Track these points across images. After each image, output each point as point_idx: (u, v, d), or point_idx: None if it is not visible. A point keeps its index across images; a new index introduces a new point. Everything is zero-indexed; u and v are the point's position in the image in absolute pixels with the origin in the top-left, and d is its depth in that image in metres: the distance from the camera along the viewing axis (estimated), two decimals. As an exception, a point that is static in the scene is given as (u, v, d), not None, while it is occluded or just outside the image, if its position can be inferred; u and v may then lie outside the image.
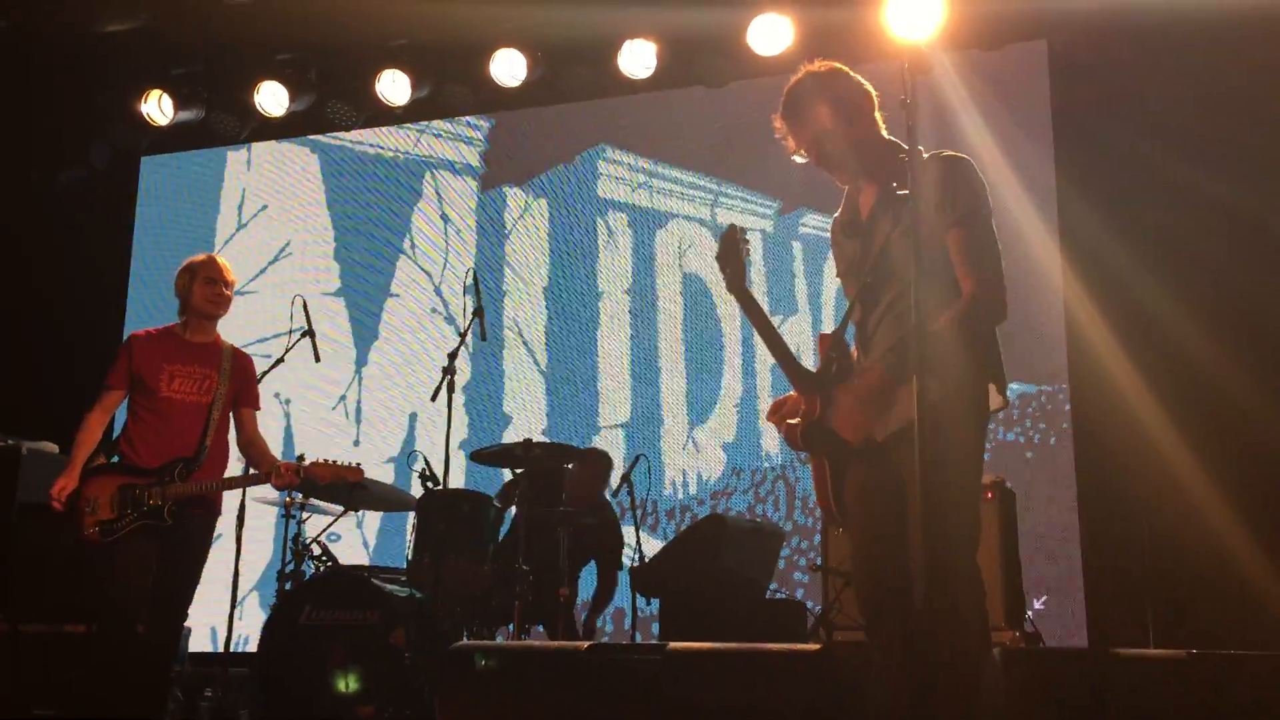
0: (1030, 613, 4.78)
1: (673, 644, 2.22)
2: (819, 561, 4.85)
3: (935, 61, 5.04)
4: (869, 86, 3.19)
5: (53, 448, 6.08)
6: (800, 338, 6.64)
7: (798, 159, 3.26)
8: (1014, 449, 6.07)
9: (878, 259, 3.03)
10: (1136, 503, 5.44)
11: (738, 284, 3.13)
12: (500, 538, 5.37)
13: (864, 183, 3.17)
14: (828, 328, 6.63)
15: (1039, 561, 5.57)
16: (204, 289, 4.66)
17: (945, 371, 2.78)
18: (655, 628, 5.81)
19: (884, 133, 3.15)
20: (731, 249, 3.16)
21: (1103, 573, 5.64)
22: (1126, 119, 5.93)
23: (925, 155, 3.00)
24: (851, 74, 3.21)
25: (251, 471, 4.65)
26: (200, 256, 4.79)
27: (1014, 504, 4.50)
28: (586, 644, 2.29)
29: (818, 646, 2.06)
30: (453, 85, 7.16)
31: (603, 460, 6.07)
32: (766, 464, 6.54)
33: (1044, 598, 5.66)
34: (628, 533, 5.85)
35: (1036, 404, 6.07)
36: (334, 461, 4.61)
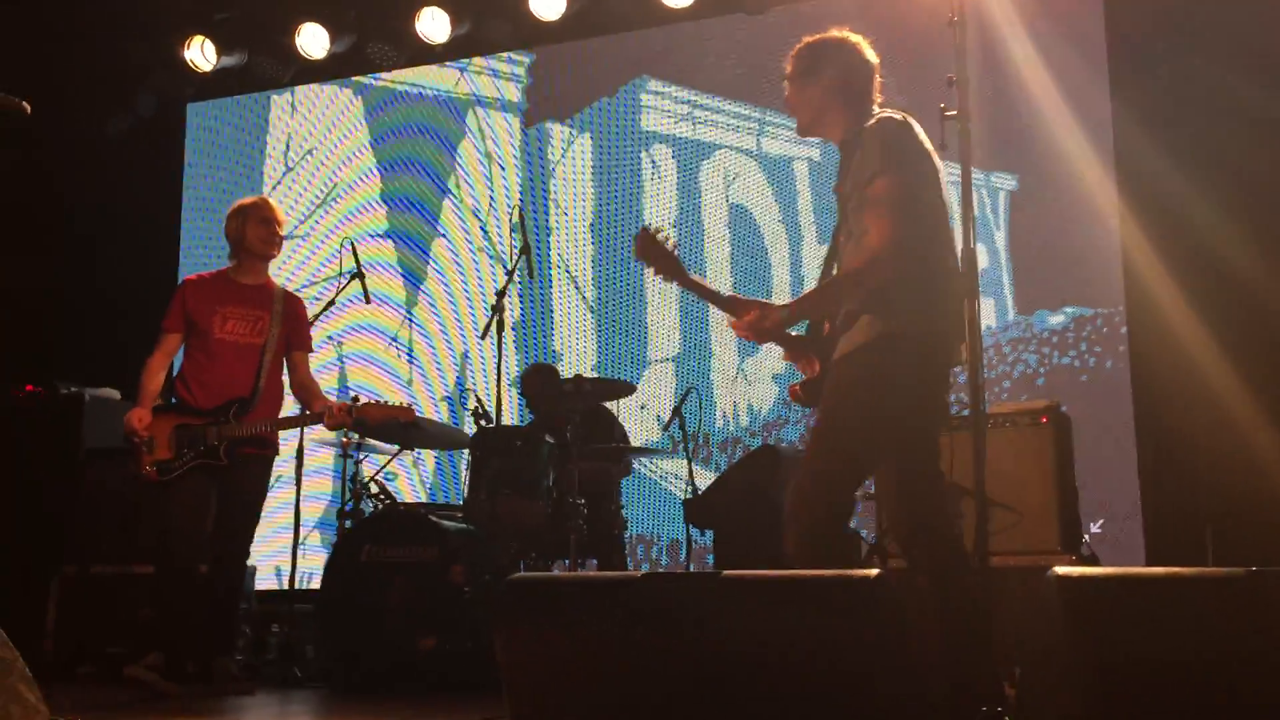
0: (1087, 537, 4.76)
1: (727, 571, 2.24)
2: (872, 489, 4.85)
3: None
4: (869, 59, 3.27)
5: (114, 394, 6.20)
6: (849, 266, 6.57)
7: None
8: (1069, 372, 6.00)
9: (840, 221, 3.13)
10: (1194, 425, 5.37)
11: (672, 276, 3.23)
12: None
13: (841, 146, 3.24)
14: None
15: (1095, 486, 5.51)
16: (257, 229, 4.70)
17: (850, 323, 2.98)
18: (710, 559, 5.86)
19: (875, 107, 3.19)
20: (649, 247, 3.24)
21: (1160, 495, 5.59)
22: (1184, 31, 5.75)
23: (878, 118, 3.10)
24: (855, 48, 3.29)
25: (305, 412, 4.72)
26: (251, 198, 4.83)
27: (1069, 428, 4.45)
28: (640, 574, 2.30)
29: (875, 572, 2.06)
30: (492, 21, 7.10)
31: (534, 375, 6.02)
32: (817, 394, 6.52)
33: (1100, 522, 5.62)
34: (680, 465, 5.88)
35: (1092, 327, 5.98)
36: (385, 402, 4.67)
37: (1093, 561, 4.42)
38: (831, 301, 3.10)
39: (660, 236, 3.25)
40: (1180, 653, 2.04)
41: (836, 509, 2.96)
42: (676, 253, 3.26)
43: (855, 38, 3.30)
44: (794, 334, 3.20)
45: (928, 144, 3.08)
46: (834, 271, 3.20)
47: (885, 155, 2.98)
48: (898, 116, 3.08)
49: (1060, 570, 2.09)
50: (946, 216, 3.07)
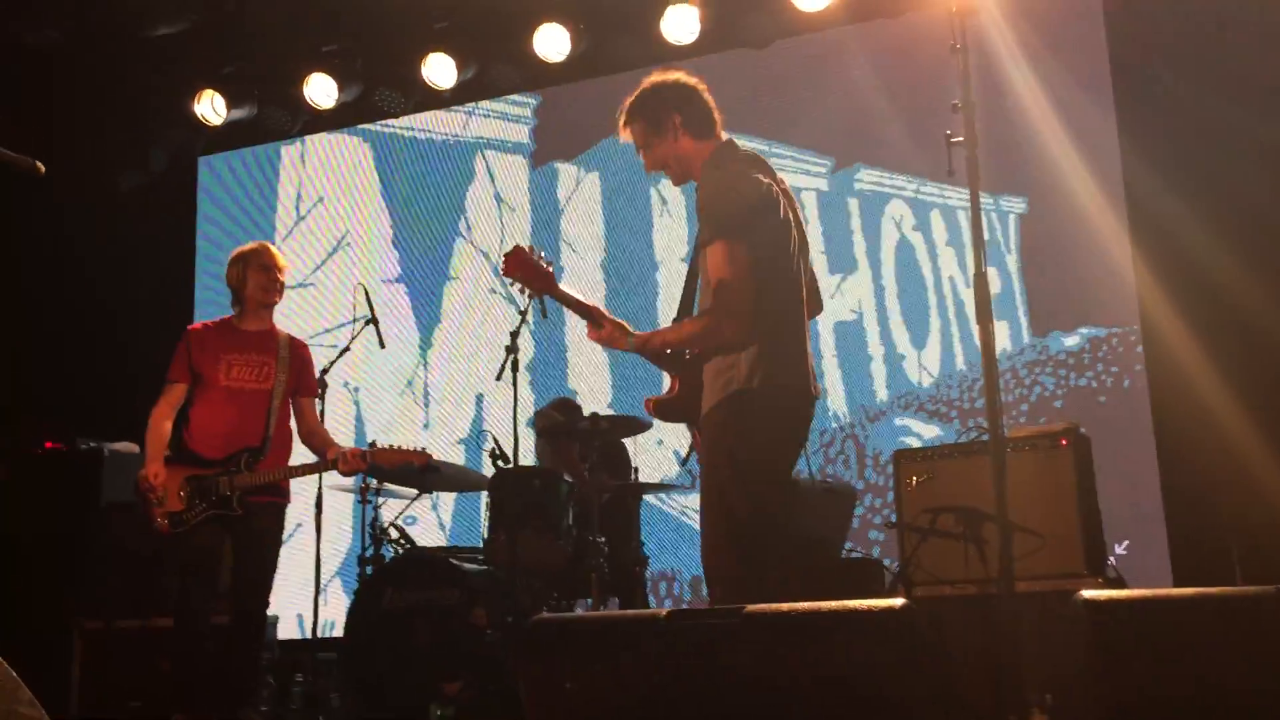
0: (1112, 558, 4.71)
1: (751, 606, 2.22)
2: (893, 518, 4.82)
3: (983, 4, 4.96)
4: (687, 90, 3.42)
5: (133, 448, 6.22)
6: (862, 294, 6.57)
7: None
8: (1087, 394, 5.97)
9: (695, 256, 3.30)
10: (1216, 440, 5.33)
11: (543, 289, 3.40)
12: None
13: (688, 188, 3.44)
14: (889, 285, 6.56)
15: (1119, 507, 5.47)
16: (258, 276, 4.68)
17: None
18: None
19: (711, 137, 3.39)
20: (517, 265, 3.40)
21: (1185, 514, 5.54)
22: (1184, 55, 5.76)
23: (735, 154, 3.32)
24: (674, 83, 3.44)
25: (318, 459, 4.70)
26: (251, 245, 4.81)
27: (1089, 450, 4.42)
28: (665, 611, 2.29)
29: (901, 602, 2.05)
30: (498, 64, 7.17)
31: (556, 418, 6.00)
32: (835, 424, 6.51)
33: (1125, 542, 5.58)
34: (699, 501, 5.85)
35: (1108, 347, 5.96)
36: (400, 447, 4.65)
37: (1119, 583, 4.37)
38: (677, 344, 3.33)
39: (533, 255, 3.42)
40: (1212, 674, 2.02)
41: (750, 562, 3.12)
42: (550, 269, 3.45)
43: (673, 75, 3.48)
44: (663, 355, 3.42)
45: (773, 199, 3.21)
46: (694, 297, 3.38)
47: (718, 221, 3.14)
48: (740, 174, 3.23)
49: (1087, 594, 2.07)
50: (795, 275, 3.26)
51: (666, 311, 6.94)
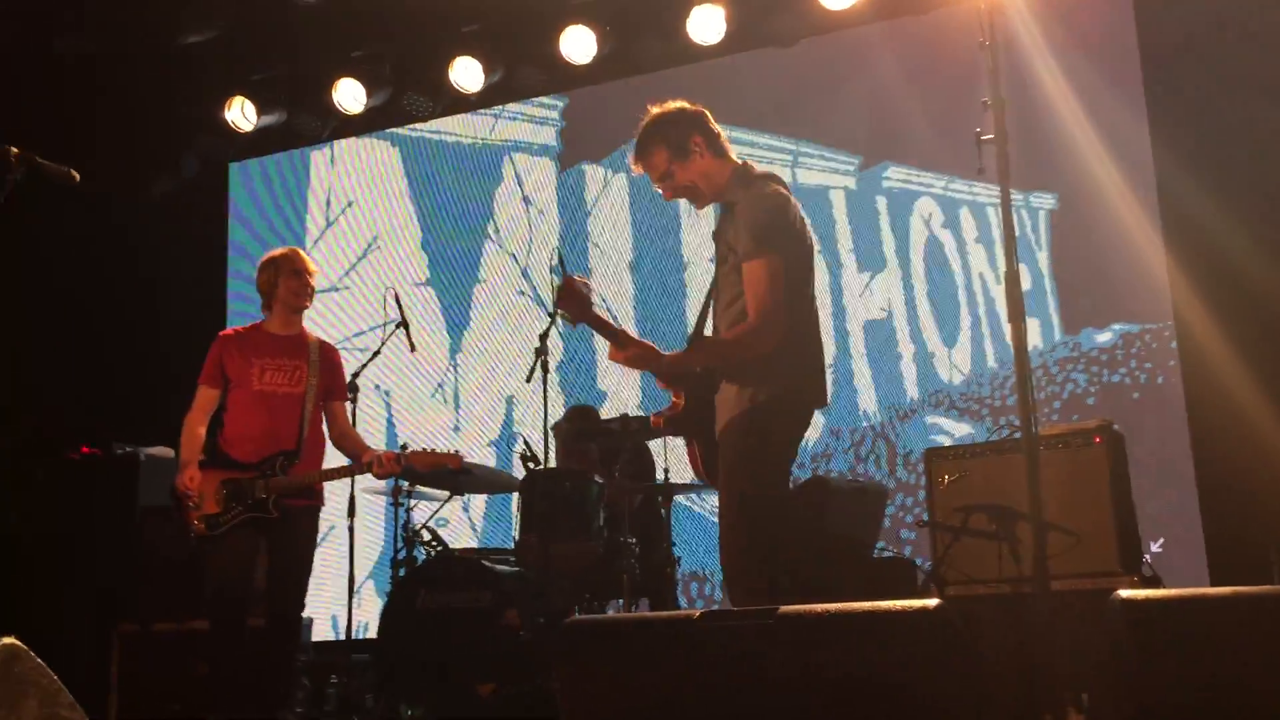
0: (1148, 557, 4.68)
1: (784, 607, 2.22)
2: (925, 517, 4.80)
3: (1012, 0, 4.92)
4: (697, 113, 3.54)
5: (168, 452, 6.27)
6: (892, 293, 6.55)
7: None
8: (1120, 390, 5.92)
9: (715, 277, 3.46)
10: (1252, 437, 5.28)
11: (580, 318, 3.48)
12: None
13: (704, 208, 3.62)
14: (918, 283, 6.53)
15: (1154, 504, 5.44)
16: (289, 281, 4.71)
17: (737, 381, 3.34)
18: (764, 593, 5.81)
19: (727, 156, 3.52)
20: (570, 296, 3.48)
21: (1221, 511, 5.48)
22: (1215, 49, 5.71)
23: (750, 182, 3.42)
24: (676, 108, 3.56)
25: (352, 463, 4.72)
26: (281, 250, 4.84)
27: (1123, 447, 4.38)
28: (698, 612, 2.30)
29: (935, 602, 2.04)
30: (525, 67, 7.19)
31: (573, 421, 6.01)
32: (865, 423, 6.49)
33: (1160, 540, 5.53)
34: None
35: (1141, 343, 5.92)
36: (433, 450, 4.67)
37: (1155, 582, 4.34)
38: (719, 359, 3.43)
39: (579, 285, 3.52)
40: (1250, 673, 2.00)
41: (767, 563, 3.24)
42: (592, 296, 3.57)
43: (675, 104, 3.60)
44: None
45: (799, 218, 3.42)
46: (709, 316, 3.53)
47: (760, 236, 3.29)
48: (775, 193, 3.40)
49: (1125, 593, 2.05)
50: (811, 292, 3.45)
51: (694, 312, 6.92)
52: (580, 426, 5.80)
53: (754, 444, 3.28)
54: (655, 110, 3.57)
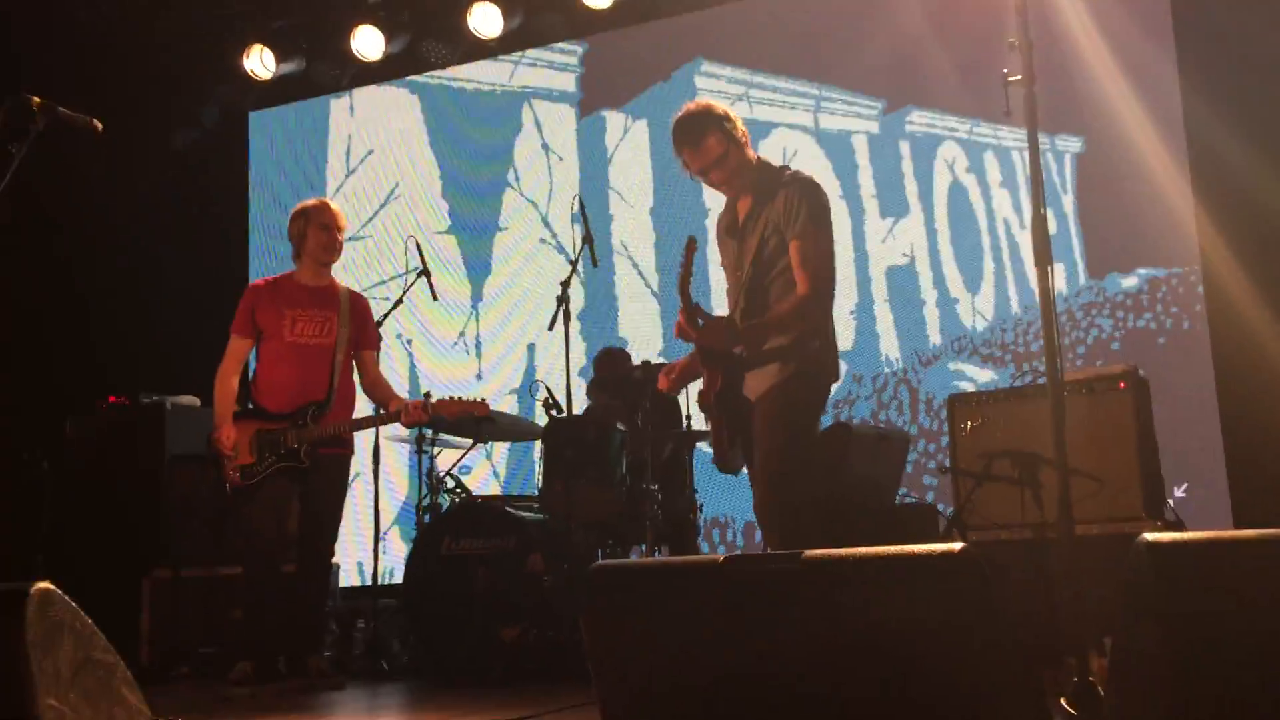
0: (1171, 501, 4.67)
1: (809, 551, 2.23)
2: (947, 463, 4.81)
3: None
4: (719, 107, 3.79)
5: (194, 400, 6.34)
6: (914, 237, 6.51)
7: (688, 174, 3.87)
8: (1145, 335, 5.89)
9: (755, 259, 3.69)
10: (1277, 382, 5.25)
11: (683, 284, 3.63)
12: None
13: (743, 194, 3.81)
14: (941, 229, 6.48)
15: (1178, 449, 5.42)
16: (318, 235, 4.75)
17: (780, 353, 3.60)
18: (786, 539, 5.84)
19: (746, 143, 3.80)
20: (688, 259, 3.66)
21: (1245, 456, 5.47)
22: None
23: (787, 173, 3.76)
24: (709, 102, 3.83)
25: (381, 412, 4.77)
26: (312, 201, 4.87)
27: (1148, 392, 4.36)
28: (723, 557, 2.31)
29: (959, 546, 2.05)
30: (543, 13, 7.13)
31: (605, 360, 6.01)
32: (887, 369, 6.48)
33: (1184, 485, 5.52)
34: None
35: (1167, 287, 5.87)
36: (460, 398, 4.70)
37: (1178, 526, 4.34)
38: (778, 330, 3.62)
39: (692, 248, 3.69)
40: (1277, 617, 2.00)
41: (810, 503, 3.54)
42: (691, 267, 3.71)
43: (705, 101, 3.86)
44: (709, 349, 3.69)
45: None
46: (745, 299, 3.71)
47: (815, 216, 3.62)
48: (815, 181, 3.73)
49: (1150, 536, 2.05)
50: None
51: (716, 259, 6.90)
52: (596, 376, 5.81)
53: (788, 409, 3.57)
54: (698, 104, 3.80)
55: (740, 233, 3.79)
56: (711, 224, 7.01)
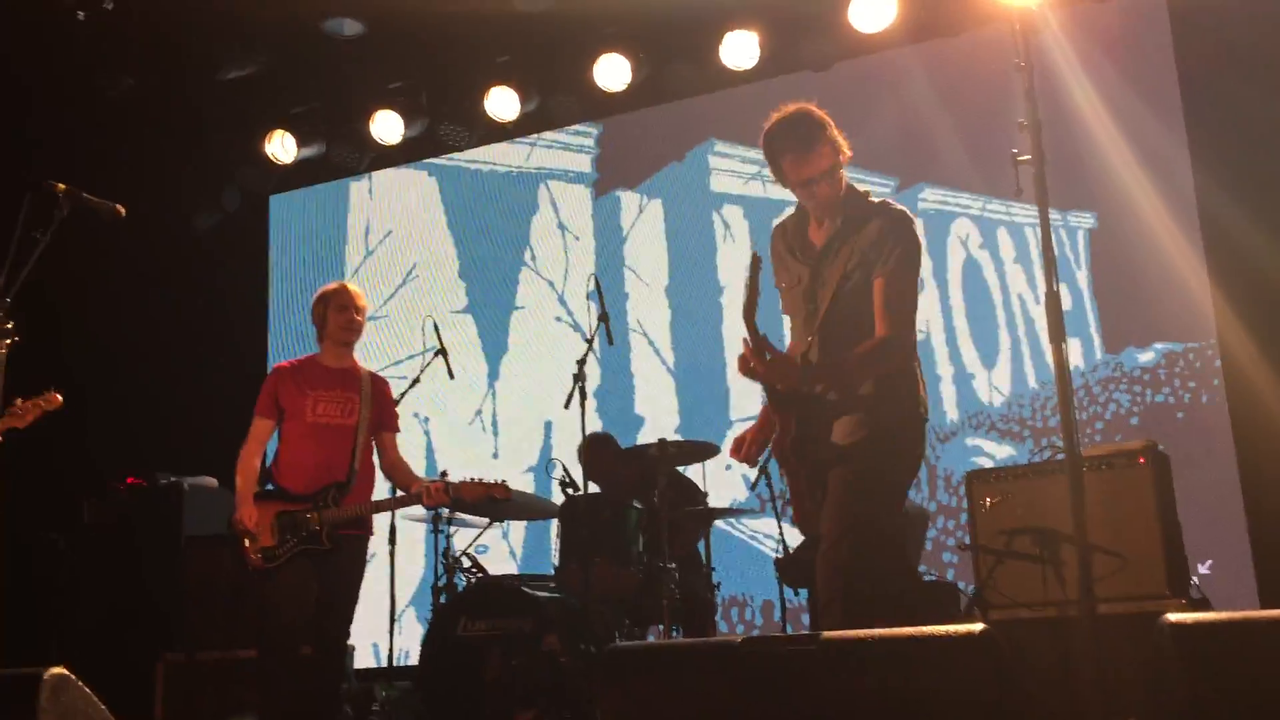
0: (1195, 579, 4.61)
1: (827, 633, 2.21)
2: (967, 540, 4.77)
3: (1046, 20, 4.92)
4: (825, 115, 3.46)
5: (212, 482, 6.35)
6: (930, 313, 6.52)
7: (777, 183, 3.50)
8: (1164, 410, 5.86)
9: (836, 292, 3.34)
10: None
11: (748, 314, 3.28)
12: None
13: (826, 217, 3.44)
14: (956, 304, 6.50)
15: (1201, 525, 5.36)
16: (337, 316, 4.80)
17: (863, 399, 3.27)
18: (805, 619, 5.78)
19: (847, 152, 3.44)
20: (754, 278, 3.30)
21: (1270, 532, 5.40)
22: (1258, 66, 5.66)
23: (874, 199, 3.41)
24: (814, 108, 3.48)
25: (401, 494, 4.77)
26: (332, 285, 4.93)
27: (1169, 467, 4.33)
28: (740, 638, 2.29)
29: (980, 627, 2.02)
30: (559, 95, 7.25)
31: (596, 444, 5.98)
32: (905, 445, 6.44)
33: (1209, 562, 5.45)
34: (770, 525, 5.83)
35: (1184, 362, 5.85)
36: (480, 479, 4.70)
37: (1204, 604, 4.28)
38: (855, 375, 3.30)
39: (757, 266, 3.31)
40: (1305, 697, 1.96)
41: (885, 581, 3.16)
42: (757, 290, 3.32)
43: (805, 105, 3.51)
44: (780, 391, 3.35)
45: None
46: (816, 328, 3.37)
47: (906, 257, 3.30)
48: (910, 215, 3.39)
49: (1173, 617, 2.03)
50: None
51: (731, 335, 6.95)
52: (587, 458, 5.76)
53: (879, 466, 3.21)
54: (802, 108, 3.44)
55: (818, 259, 3.40)
56: (728, 300, 7.10)
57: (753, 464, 3.64)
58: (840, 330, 3.32)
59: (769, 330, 3.30)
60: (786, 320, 3.63)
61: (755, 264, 3.26)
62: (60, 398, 4.53)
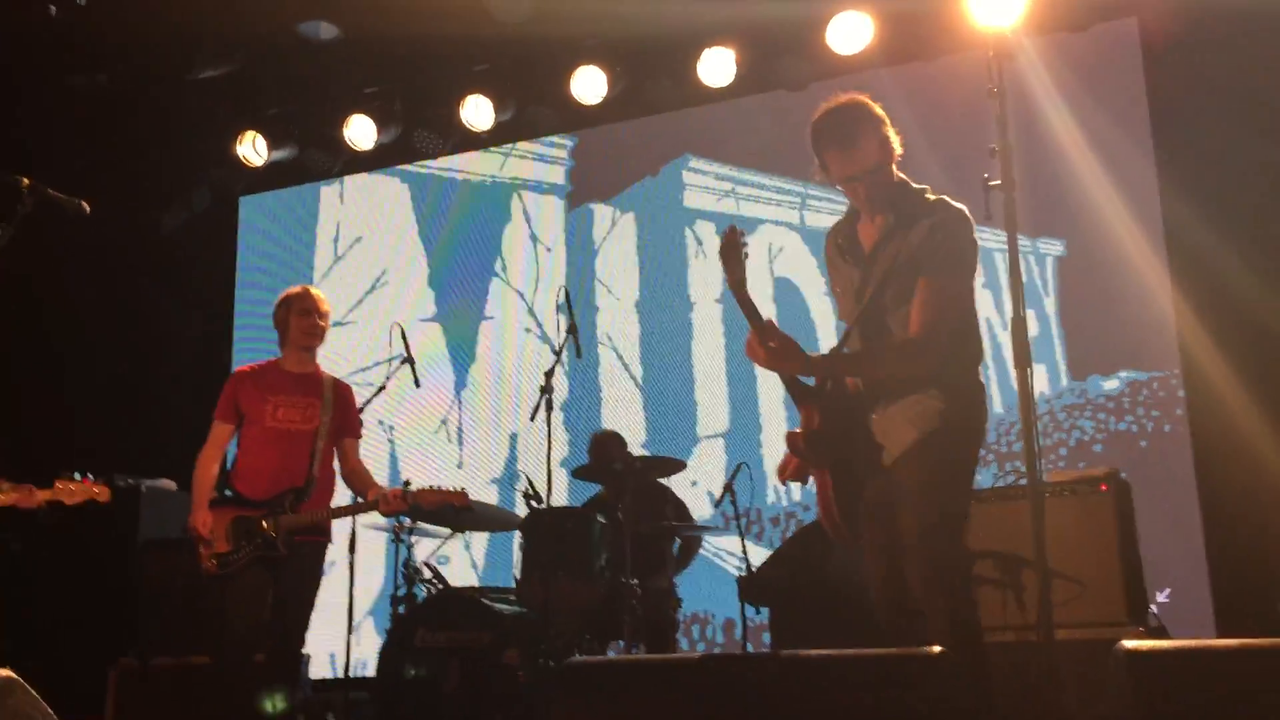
0: (1154, 607, 4.64)
1: (787, 652, 2.20)
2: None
3: (1020, 47, 4.95)
4: (881, 110, 3.28)
5: (170, 485, 6.27)
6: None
7: (822, 180, 3.35)
8: (1127, 439, 5.90)
9: (878, 290, 3.17)
10: (1260, 486, 5.25)
11: (739, 288, 3.17)
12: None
13: (877, 213, 3.26)
14: (925, 325, 6.52)
15: (1160, 554, 5.39)
16: (299, 321, 4.75)
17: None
18: (766, 637, 5.77)
19: (899, 151, 3.27)
20: (732, 249, 3.20)
21: (1228, 562, 5.44)
22: (1227, 95, 5.73)
23: (931, 196, 3.21)
24: (868, 100, 3.30)
25: (359, 500, 4.73)
26: (295, 289, 4.88)
27: (1130, 495, 4.37)
28: (699, 655, 2.28)
29: (938, 649, 2.02)
30: (535, 106, 7.24)
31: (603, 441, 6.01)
32: (870, 466, 6.46)
33: (1167, 591, 5.48)
34: (733, 543, 5.82)
35: (1148, 390, 5.90)
36: (440, 487, 4.67)
37: (1161, 632, 4.30)
38: (862, 368, 3.19)
39: (742, 241, 3.23)
40: (1260, 728, 1.97)
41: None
42: (746, 265, 3.23)
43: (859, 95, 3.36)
44: (801, 381, 3.21)
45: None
46: (856, 326, 3.23)
47: (953, 257, 3.12)
48: (965, 212, 3.19)
49: (1128, 644, 2.03)
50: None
51: (700, 351, 6.95)
52: (584, 465, 5.78)
53: (943, 470, 3.07)
54: (853, 98, 3.30)
55: (866, 259, 3.26)
56: (697, 316, 7.10)
57: (801, 482, 3.35)
58: (876, 330, 3.19)
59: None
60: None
61: (731, 238, 3.18)
62: (109, 493, 4.48)
